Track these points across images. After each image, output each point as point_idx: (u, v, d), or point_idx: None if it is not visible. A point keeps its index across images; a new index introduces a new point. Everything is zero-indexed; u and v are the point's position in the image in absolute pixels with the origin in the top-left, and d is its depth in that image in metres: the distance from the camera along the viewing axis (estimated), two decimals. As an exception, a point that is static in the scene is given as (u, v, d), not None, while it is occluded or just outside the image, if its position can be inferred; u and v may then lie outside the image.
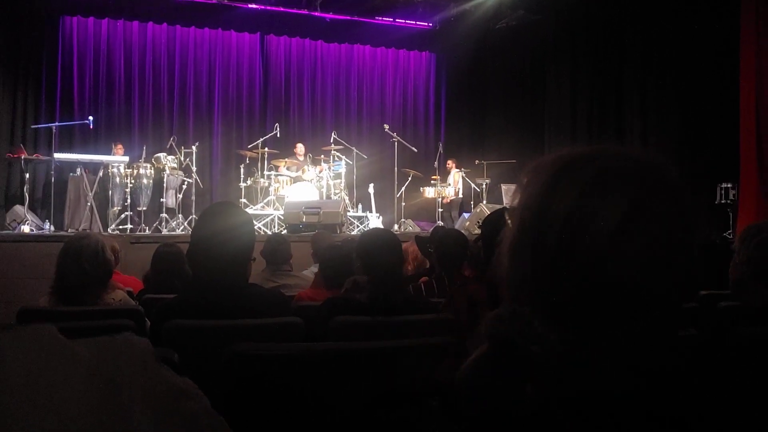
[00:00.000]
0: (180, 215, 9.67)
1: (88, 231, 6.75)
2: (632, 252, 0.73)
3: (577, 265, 0.74)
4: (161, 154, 9.88)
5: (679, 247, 0.75)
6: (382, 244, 2.70)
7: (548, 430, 0.71)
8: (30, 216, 8.84)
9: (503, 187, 11.08)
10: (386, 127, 11.50)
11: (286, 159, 10.76)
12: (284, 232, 9.05)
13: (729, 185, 9.64)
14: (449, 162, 11.89)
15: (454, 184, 11.65)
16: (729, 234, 8.77)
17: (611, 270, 0.73)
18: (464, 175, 11.60)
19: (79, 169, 9.31)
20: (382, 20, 13.33)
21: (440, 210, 11.24)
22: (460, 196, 11.62)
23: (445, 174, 11.85)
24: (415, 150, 11.59)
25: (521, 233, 0.79)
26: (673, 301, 0.76)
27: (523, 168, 0.84)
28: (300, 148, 11.08)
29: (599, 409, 0.71)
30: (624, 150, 0.80)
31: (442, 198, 11.32)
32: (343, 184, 10.57)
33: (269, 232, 9.11)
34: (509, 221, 0.83)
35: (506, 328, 0.76)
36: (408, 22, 13.49)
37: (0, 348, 0.64)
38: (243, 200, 10.38)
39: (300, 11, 12.57)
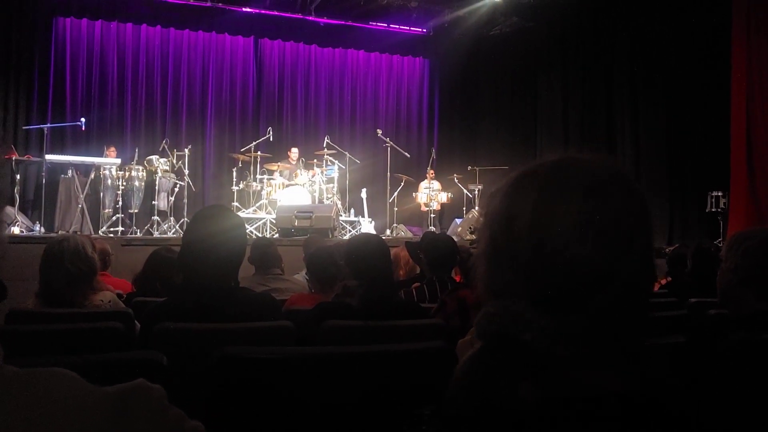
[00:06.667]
0: (172, 218, 9.64)
1: (66, 233, 6.68)
2: (594, 240, 0.77)
3: (549, 259, 0.78)
4: (153, 157, 9.86)
5: (636, 231, 0.80)
6: (369, 249, 2.71)
7: (542, 424, 0.72)
8: (20, 217, 8.79)
9: (495, 193, 11.08)
10: (379, 132, 11.53)
11: (279, 163, 10.75)
12: (276, 235, 9.04)
13: (719, 193, 9.70)
14: (430, 171, 11.90)
15: (416, 197, 11.66)
16: (719, 242, 8.82)
17: (580, 259, 0.77)
18: (456, 180, 11.61)
19: (70, 171, 9.27)
20: (377, 25, 13.36)
21: (432, 216, 11.26)
22: (437, 207, 11.50)
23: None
24: (408, 155, 11.61)
25: (493, 245, 0.84)
26: (641, 285, 0.81)
27: (484, 196, 0.90)
28: (294, 152, 11.08)
29: (598, 412, 0.72)
30: (571, 153, 0.86)
31: (429, 209, 11.33)
32: (335, 189, 10.56)
33: (259, 235, 9.10)
34: (476, 235, 0.88)
35: (498, 322, 0.78)
36: (402, 27, 13.53)
37: (12, 393, 0.62)
38: (235, 204, 10.36)
39: (294, 15, 12.58)
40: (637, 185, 0.83)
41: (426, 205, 11.45)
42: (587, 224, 0.77)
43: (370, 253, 2.67)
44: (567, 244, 0.77)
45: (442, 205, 11.55)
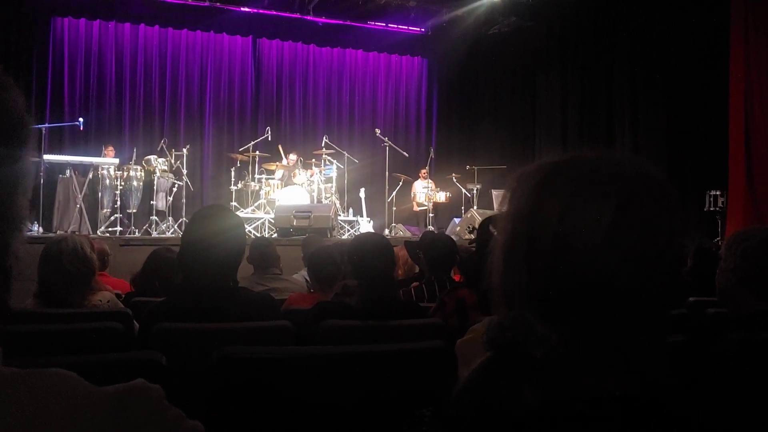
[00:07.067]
0: (170, 218, 9.64)
1: (65, 233, 6.67)
2: (622, 252, 0.74)
3: (570, 266, 0.75)
4: (152, 157, 9.85)
5: (666, 247, 0.76)
6: (373, 248, 2.70)
7: (543, 426, 0.71)
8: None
9: (494, 192, 11.12)
10: (377, 131, 11.53)
11: (278, 163, 10.75)
12: (275, 235, 9.04)
13: (718, 192, 9.72)
14: (423, 171, 11.89)
15: (414, 196, 11.67)
16: (717, 241, 8.83)
17: (603, 270, 0.74)
18: (455, 179, 11.61)
19: (68, 171, 9.25)
20: (375, 25, 13.36)
21: (431, 215, 11.26)
22: (426, 207, 11.47)
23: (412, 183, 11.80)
24: (407, 155, 11.61)
25: (513, 240, 0.80)
26: (663, 299, 0.78)
27: (509, 178, 0.85)
28: (291, 158, 10.99)
29: (598, 414, 0.72)
30: (608, 154, 0.82)
31: (424, 208, 11.33)
32: (333, 188, 10.56)
33: (258, 235, 9.10)
34: (495, 230, 0.84)
35: (509, 334, 0.76)
36: (400, 27, 13.53)
37: (11, 393, 0.61)
38: (234, 203, 10.35)
39: (292, 15, 12.58)
40: (674, 193, 0.79)
41: (419, 204, 11.47)
42: (617, 236, 0.74)
43: (370, 253, 2.67)
44: (593, 252, 0.74)
45: (436, 204, 11.54)
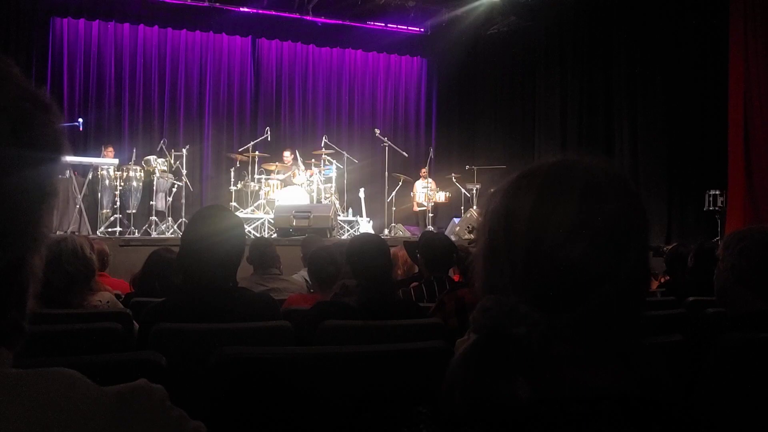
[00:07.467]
0: (170, 218, 9.64)
1: (65, 233, 6.66)
2: (586, 243, 0.78)
3: (543, 260, 0.78)
4: (151, 157, 9.85)
5: (628, 239, 0.80)
6: (370, 248, 2.70)
7: (539, 424, 0.72)
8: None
9: (493, 192, 11.09)
10: (377, 131, 11.52)
11: (277, 163, 10.74)
12: (274, 235, 9.04)
13: (717, 192, 9.73)
14: (423, 170, 11.88)
15: (413, 196, 11.66)
16: (717, 241, 8.84)
17: (573, 262, 0.77)
18: (454, 179, 11.61)
19: (68, 171, 9.22)
20: (374, 25, 13.36)
21: (431, 215, 11.26)
22: (425, 207, 11.44)
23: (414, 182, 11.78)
24: (406, 155, 11.61)
25: (491, 240, 0.85)
26: (633, 289, 0.81)
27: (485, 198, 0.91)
28: (286, 156, 10.97)
29: (598, 414, 0.72)
30: (571, 155, 0.87)
31: (424, 208, 11.33)
32: (333, 188, 10.56)
33: (257, 235, 9.11)
34: (475, 233, 0.88)
35: (492, 316, 0.78)
36: (400, 27, 13.53)
37: (14, 394, 0.62)
38: (233, 204, 10.34)
39: (292, 15, 12.58)
40: (634, 188, 0.84)
41: (419, 204, 11.47)
42: (583, 226, 0.78)
43: (369, 253, 2.67)
44: (562, 244, 0.77)
45: (436, 204, 11.54)
